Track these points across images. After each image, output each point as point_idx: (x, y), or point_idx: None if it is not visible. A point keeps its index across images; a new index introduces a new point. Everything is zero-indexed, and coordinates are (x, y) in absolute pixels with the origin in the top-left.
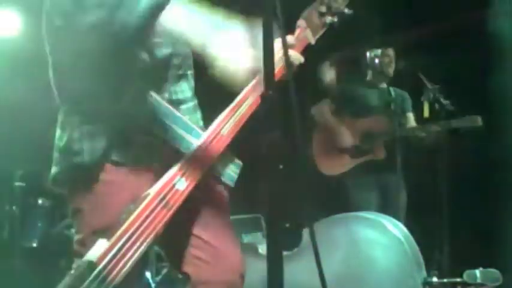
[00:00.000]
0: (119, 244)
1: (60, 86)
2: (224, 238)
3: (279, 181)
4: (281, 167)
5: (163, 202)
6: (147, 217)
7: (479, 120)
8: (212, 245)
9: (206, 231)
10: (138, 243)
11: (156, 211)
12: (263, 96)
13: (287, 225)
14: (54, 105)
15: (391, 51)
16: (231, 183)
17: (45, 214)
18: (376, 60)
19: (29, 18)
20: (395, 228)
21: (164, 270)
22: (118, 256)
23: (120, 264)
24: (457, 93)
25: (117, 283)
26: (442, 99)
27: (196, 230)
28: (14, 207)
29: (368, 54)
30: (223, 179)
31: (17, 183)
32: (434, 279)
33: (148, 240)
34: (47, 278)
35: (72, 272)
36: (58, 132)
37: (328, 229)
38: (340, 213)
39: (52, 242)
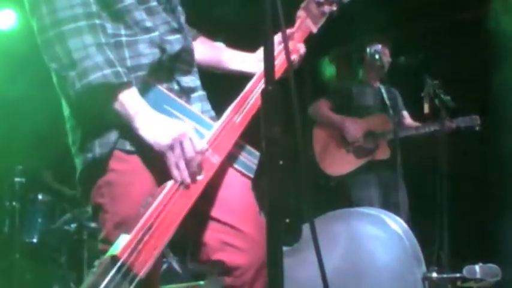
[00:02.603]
0: (139, 236)
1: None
2: (255, 224)
3: (279, 177)
4: (281, 162)
5: (181, 192)
6: (166, 207)
7: (478, 120)
8: (242, 230)
9: (232, 217)
10: (159, 234)
11: (175, 200)
12: (263, 92)
13: (287, 220)
14: (54, 101)
15: (386, 50)
16: (250, 174)
17: (45, 210)
18: (377, 56)
19: (25, 13)
20: (395, 224)
21: (164, 266)
22: (139, 248)
23: (143, 256)
24: (458, 90)
25: (143, 276)
26: (442, 95)
27: (221, 216)
28: (14, 203)
29: (368, 49)
30: (240, 168)
31: (17, 179)
32: (434, 274)
33: (170, 231)
34: (47, 274)
35: (95, 269)
36: (70, 138)
37: (328, 224)
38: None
39: (52, 237)
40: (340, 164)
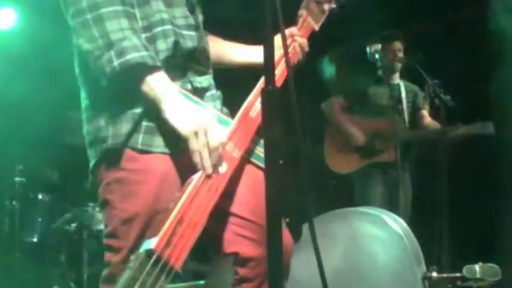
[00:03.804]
0: (172, 229)
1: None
2: None
3: (279, 176)
4: (281, 162)
5: (208, 185)
6: (195, 200)
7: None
8: (257, 223)
9: (246, 210)
10: (191, 227)
11: (202, 195)
12: (263, 92)
13: (287, 220)
14: (55, 100)
15: (397, 45)
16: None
17: (45, 209)
18: (377, 56)
19: (26, 11)
20: (395, 223)
21: None
22: (174, 241)
23: (178, 249)
24: (458, 89)
25: (179, 268)
26: (442, 95)
27: (236, 209)
28: (14, 202)
29: (368, 49)
30: (256, 162)
31: (17, 179)
32: (434, 274)
33: (201, 223)
34: (47, 273)
35: (131, 264)
36: (86, 128)
37: (328, 224)
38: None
39: (52, 237)
40: (344, 162)
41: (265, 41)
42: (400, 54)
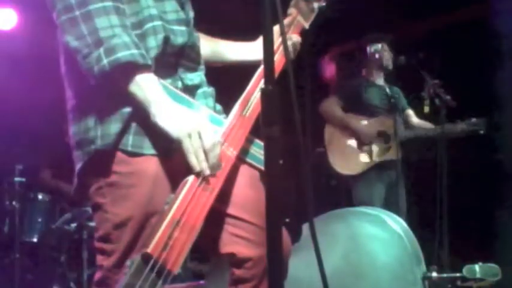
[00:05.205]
0: (168, 232)
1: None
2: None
3: (279, 176)
4: (281, 162)
5: (203, 185)
6: (191, 202)
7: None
8: (253, 223)
9: (243, 210)
10: (188, 229)
11: (198, 195)
12: (263, 91)
13: (287, 220)
14: (55, 100)
15: (385, 46)
16: (260, 166)
17: (45, 209)
18: (377, 55)
19: (27, 12)
20: (395, 224)
21: None
22: (170, 244)
23: (176, 253)
24: (458, 89)
25: (176, 272)
26: (442, 95)
27: (232, 210)
28: (14, 203)
29: (368, 49)
30: (251, 161)
31: (17, 179)
32: (434, 274)
33: (197, 225)
34: (47, 273)
35: (128, 269)
36: (72, 129)
37: (328, 224)
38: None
39: (52, 237)
40: (352, 163)
41: (265, 40)
42: (388, 55)
